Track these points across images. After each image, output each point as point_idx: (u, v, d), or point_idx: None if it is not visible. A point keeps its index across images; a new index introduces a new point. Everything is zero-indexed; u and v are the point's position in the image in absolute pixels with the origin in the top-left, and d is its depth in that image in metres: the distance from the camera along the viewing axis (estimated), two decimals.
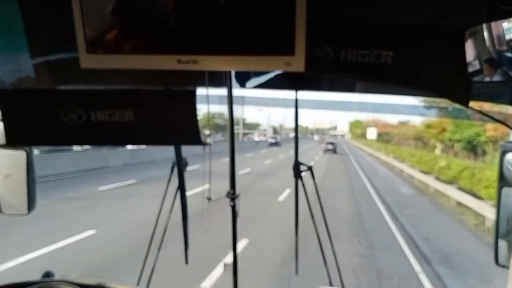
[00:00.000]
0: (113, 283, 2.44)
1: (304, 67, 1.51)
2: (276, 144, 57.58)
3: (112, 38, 1.58)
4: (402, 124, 50.34)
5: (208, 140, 2.49)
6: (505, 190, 2.05)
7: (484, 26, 1.34)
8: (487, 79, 1.41)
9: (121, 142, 2.75)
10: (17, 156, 2.33)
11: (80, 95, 2.24)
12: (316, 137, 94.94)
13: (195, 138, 2.24)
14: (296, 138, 2.84)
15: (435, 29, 1.54)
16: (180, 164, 2.76)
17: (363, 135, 68.11)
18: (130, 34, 1.61)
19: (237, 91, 2.37)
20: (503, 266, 1.99)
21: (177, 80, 2.16)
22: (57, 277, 2.49)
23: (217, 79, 2.24)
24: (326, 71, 1.76)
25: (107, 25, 1.57)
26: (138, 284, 2.83)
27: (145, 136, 2.34)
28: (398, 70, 1.60)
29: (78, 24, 1.54)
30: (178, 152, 2.72)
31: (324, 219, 2.82)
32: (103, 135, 2.27)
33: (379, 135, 56.45)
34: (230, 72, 2.24)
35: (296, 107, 2.51)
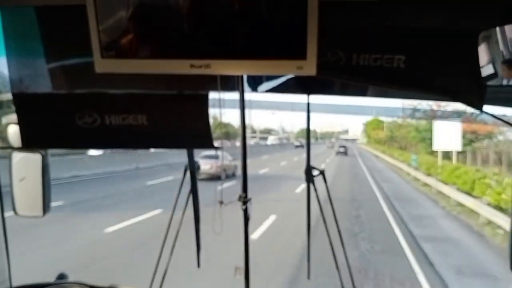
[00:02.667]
0: (125, 286, 2.45)
1: (316, 71, 1.51)
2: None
3: (126, 43, 1.60)
4: None
5: (220, 144, 2.49)
6: None
7: (498, 29, 1.32)
8: (504, 82, 1.39)
9: (135, 145, 2.78)
10: (33, 159, 2.37)
11: (95, 99, 2.27)
12: (326, 142, 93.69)
13: (207, 142, 2.25)
14: (308, 142, 2.83)
15: (448, 33, 1.53)
16: (193, 168, 2.77)
17: (383, 141, 61.65)
18: (144, 39, 1.62)
19: (248, 95, 2.37)
20: None
21: (190, 84, 2.18)
22: (71, 279, 2.52)
23: (229, 83, 2.25)
24: (338, 75, 1.76)
25: (121, 30, 1.59)
26: (150, 286, 2.84)
27: (158, 140, 2.36)
28: (410, 74, 1.59)
29: (93, 29, 1.56)
30: (190, 156, 2.73)
31: (336, 223, 2.80)
32: (116, 138, 2.30)
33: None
34: (242, 76, 2.25)
35: (308, 111, 2.51)
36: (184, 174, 2.76)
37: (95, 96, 2.29)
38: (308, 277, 3.13)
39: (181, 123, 2.24)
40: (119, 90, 2.26)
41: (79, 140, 2.32)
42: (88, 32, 1.54)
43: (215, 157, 18.85)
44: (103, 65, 1.63)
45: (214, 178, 18.26)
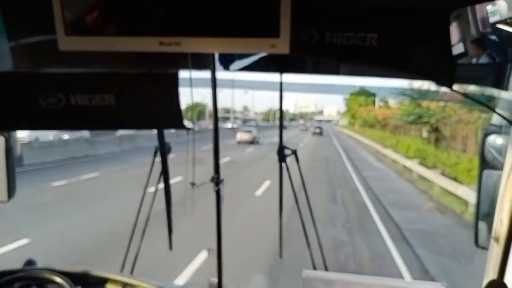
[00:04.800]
0: (97, 270, 2.42)
1: (289, 50, 1.49)
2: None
3: (92, 20, 1.54)
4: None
5: (191, 125, 2.45)
6: (486, 172, 2.08)
7: (469, 9, 1.34)
8: (473, 60, 1.41)
9: (103, 126, 2.71)
10: None
11: (59, 79, 2.18)
12: (301, 122, 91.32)
13: (177, 123, 2.21)
14: (281, 123, 2.83)
15: (420, 12, 1.53)
16: (164, 149, 2.73)
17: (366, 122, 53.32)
18: (110, 15, 1.57)
19: (220, 74, 2.34)
20: (483, 248, 2.03)
21: (159, 62, 2.12)
22: (39, 265, 2.46)
23: (201, 61, 2.21)
24: (311, 54, 1.74)
25: (86, 6, 1.53)
26: (121, 271, 2.82)
27: (126, 120, 2.30)
28: (383, 53, 1.59)
29: (56, 5, 1.50)
30: (160, 137, 2.68)
31: (308, 204, 2.84)
32: (83, 119, 2.22)
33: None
34: (213, 55, 2.21)
35: (281, 90, 2.49)
36: (155, 155, 2.71)
37: (59, 75, 2.20)
38: (280, 256, 3.18)
39: (150, 103, 2.18)
40: (85, 68, 2.19)
41: (43, 121, 2.23)
42: (52, 8, 1.48)
43: (249, 131, 39.83)
44: (67, 43, 1.58)
45: (248, 143, 35.94)
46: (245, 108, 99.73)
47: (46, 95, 2.10)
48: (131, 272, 2.85)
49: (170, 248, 3.04)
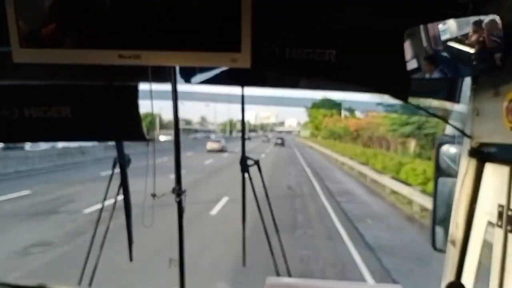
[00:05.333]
0: (53, 283, 2.35)
1: (250, 64, 1.51)
2: None
3: (49, 32, 1.51)
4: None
5: (151, 136, 2.42)
6: (441, 180, 2.17)
7: (421, 27, 1.40)
8: (427, 75, 1.47)
9: (58, 138, 2.66)
10: None
11: (12, 91, 2.12)
12: (262, 134, 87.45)
13: (137, 134, 2.19)
14: (243, 134, 2.84)
15: (376, 29, 1.59)
16: (123, 161, 2.68)
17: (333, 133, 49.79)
18: (68, 28, 1.54)
19: (181, 87, 2.34)
20: (440, 251, 2.11)
21: (119, 75, 2.09)
22: None
23: (161, 74, 2.19)
24: (271, 69, 1.77)
25: (43, 18, 1.51)
26: (79, 284, 2.74)
27: (84, 132, 2.26)
28: (341, 68, 1.64)
29: (11, 17, 1.47)
30: (120, 149, 2.63)
31: (271, 212, 2.85)
32: (38, 131, 2.18)
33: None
34: (174, 68, 2.19)
35: (243, 103, 2.50)
36: (113, 167, 2.66)
37: (13, 87, 2.14)
38: (244, 264, 3.17)
39: (109, 115, 2.15)
40: (42, 81, 2.13)
41: None
42: (6, 20, 1.44)
43: (218, 141, 44.65)
44: (21, 55, 1.54)
45: (217, 151, 39.25)
46: (203, 119, 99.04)
47: None
48: (90, 284, 2.78)
49: (131, 259, 2.98)
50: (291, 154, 43.75)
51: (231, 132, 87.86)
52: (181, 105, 2.37)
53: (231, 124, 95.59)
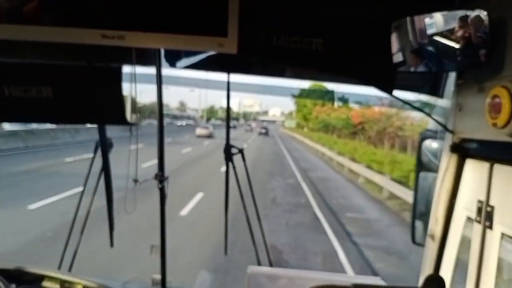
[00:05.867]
0: (32, 267, 2.31)
1: (237, 50, 1.50)
2: None
3: (30, 9, 1.48)
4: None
5: (134, 120, 2.39)
6: (422, 174, 2.19)
7: (408, 19, 1.40)
8: (412, 69, 1.47)
9: (39, 119, 2.60)
10: None
11: None
12: (246, 122, 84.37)
13: (120, 118, 2.15)
14: (228, 122, 2.82)
15: (364, 20, 1.59)
16: (105, 145, 2.64)
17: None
18: (51, 5, 1.51)
19: (166, 71, 2.30)
20: (419, 245, 2.14)
21: (101, 56, 2.05)
22: None
23: (146, 57, 2.15)
24: (258, 55, 1.76)
25: None
26: (59, 268, 2.71)
27: (65, 114, 2.21)
28: (327, 57, 1.63)
29: None
30: (102, 132, 2.59)
31: (254, 201, 2.85)
32: (18, 111, 2.12)
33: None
34: (159, 50, 2.16)
35: (228, 90, 2.48)
36: (95, 151, 2.63)
37: None
38: (226, 252, 3.18)
39: (91, 97, 2.11)
40: (21, 59, 2.08)
41: None
42: None
43: (207, 127, 47.91)
44: (1, 31, 1.50)
45: (205, 137, 42.20)
46: (181, 104, 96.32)
47: None
48: (70, 269, 2.75)
49: (112, 245, 2.96)
50: (277, 151, 35.61)
51: (208, 119, 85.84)
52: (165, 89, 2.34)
53: (212, 111, 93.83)
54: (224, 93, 2.50)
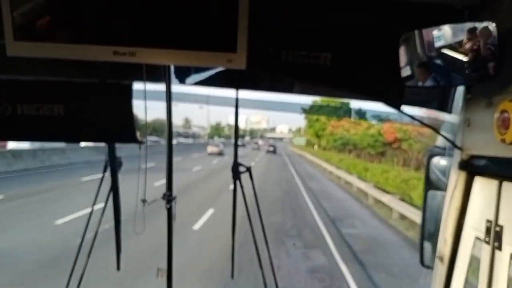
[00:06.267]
0: None
1: (246, 65, 1.51)
2: None
3: (43, 25, 1.50)
4: None
5: (144, 138, 2.39)
6: (431, 193, 2.15)
7: (416, 33, 1.41)
8: (419, 83, 1.47)
9: (50, 138, 2.59)
10: None
11: (5, 86, 2.08)
12: (253, 141, 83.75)
13: (130, 136, 2.16)
14: (236, 140, 2.81)
15: (371, 34, 1.60)
16: (114, 164, 2.63)
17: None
18: (63, 22, 1.54)
19: (176, 87, 2.31)
20: (428, 267, 2.09)
21: (112, 73, 2.07)
22: None
23: (156, 73, 2.17)
24: (267, 70, 1.77)
25: (38, 11, 1.50)
26: None
27: (76, 132, 2.21)
28: (336, 72, 1.64)
29: (5, 8, 1.45)
30: (111, 151, 2.58)
31: (261, 222, 2.82)
32: (30, 130, 2.12)
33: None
34: (169, 67, 2.18)
35: (237, 106, 2.49)
36: (104, 170, 2.61)
37: (5, 82, 2.10)
38: (232, 276, 3.12)
39: (102, 114, 2.11)
40: (34, 76, 2.10)
41: None
42: (0, 12, 1.44)
43: (217, 145, 51.75)
44: (15, 48, 1.53)
45: (216, 154, 45.54)
46: (186, 121, 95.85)
47: None
48: None
49: (118, 268, 2.91)
50: (288, 178, 28.19)
51: (211, 137, 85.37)
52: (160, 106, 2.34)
53: (218, 128, 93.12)
54: (230, 109, 2.50)
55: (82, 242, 2.75)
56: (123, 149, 2.50)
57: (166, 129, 2.41)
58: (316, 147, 49.52)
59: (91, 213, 2.73)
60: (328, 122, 42.39)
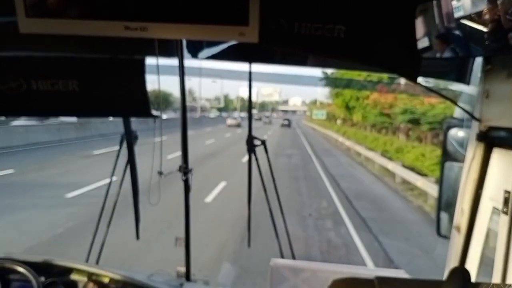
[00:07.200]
0: (61, 260, 2.36)
1: (258, 39, 1.49)
2: None
3: (55, 2, 1.49)
4: None
5: (159, 113, 2.40)
6: (447, 164, 2.14)
7: (434, 3, 1.36)
8: (437, 55, 1.43)
9: (65, 113, 2.63)
10: None
11: (20, 62, 2.10)
12: (265, 114, 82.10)
13: (144, 110, 2.17)
14: (250, 113, 2.82)
15: (387, 5, 1.55)
16: (130, 138, 2.67)
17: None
18: None
19: (188, 62, 2.31)
20: (445, 237, 2.10)
21: (125, 48, 2.07)
22: (0, 254, 2.38)
23: (168, 48, 2.16)
24: (279, 43, 1.74)
25: None
26: (87, 260, 2.76)
27: (91, 108, 2.24)
28: (350, 44, 1.60)
29: None
30: (127, 125, 2.62)
31: (277, 193, 2.85)
32: (45, 105, 2.15)
33: None
34: (181, 41, 2.17)
35: (250, 80, 2.48)
36: (121, 144, 2.66)
37: (20, 59, 2.12)
38: (249, 245, 3.19)
39: (115, 89, 2.13)
40: (47, 52, 2.11)
41: (2, 107, 2.14)
42: None
43: (235, 118, 59.60)
44: (28, 25, 1.52)
45: (235, 126, 52.22)
46: (190, 93, 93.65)
47: (5, 80, 2.02)
48: (97, 262, 2.80)
49: (137, 237, 3.00)
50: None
51: (220, 109, 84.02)
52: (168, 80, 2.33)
53: (226, 100, 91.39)
54: (239, 82, 2.51)
55: (102, 211, 2.84)
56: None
57: (180, 103, 2.42)
58: (339, 121, 40.37)
59: (109, 184, 2.80)
60: (368, 92, 30.35)
